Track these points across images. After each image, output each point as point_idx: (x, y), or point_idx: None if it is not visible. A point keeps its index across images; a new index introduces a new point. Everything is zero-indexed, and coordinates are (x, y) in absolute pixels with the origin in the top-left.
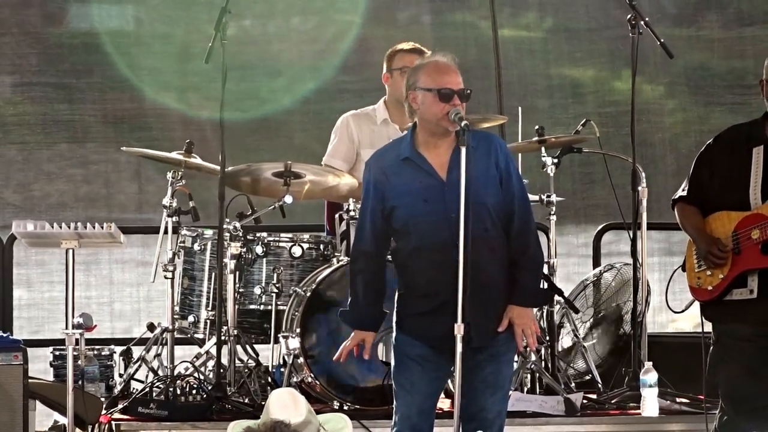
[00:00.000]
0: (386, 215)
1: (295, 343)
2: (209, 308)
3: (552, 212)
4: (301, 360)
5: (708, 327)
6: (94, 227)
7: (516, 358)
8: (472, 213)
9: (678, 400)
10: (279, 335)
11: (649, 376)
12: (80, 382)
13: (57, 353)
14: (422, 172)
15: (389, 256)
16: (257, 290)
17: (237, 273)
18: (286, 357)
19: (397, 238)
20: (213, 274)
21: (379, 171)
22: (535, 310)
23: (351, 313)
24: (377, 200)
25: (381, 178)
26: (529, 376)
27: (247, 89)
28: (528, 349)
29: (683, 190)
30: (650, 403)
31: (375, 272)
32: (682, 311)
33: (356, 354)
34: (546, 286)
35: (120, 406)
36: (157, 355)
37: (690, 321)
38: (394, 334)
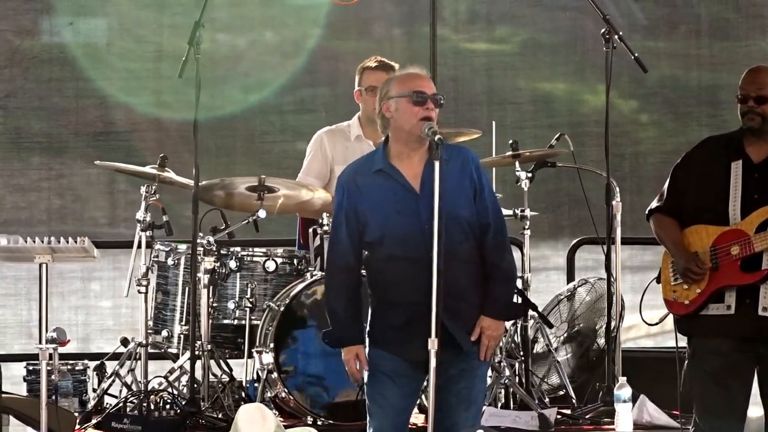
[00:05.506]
0: (360, 228)
1: (268, 358)
2: (183, 323)
3: (526, 227)
4: (275, 375)
5: (683, 342)
6: (67, 241)
7: (490, 373)
8: (446, 225)
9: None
10: (253, 350)
11: (624, 391)
12: (54, 397)
13: (30, 368)
14: (395, 183)
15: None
16: (231, 305)
17: (210, 288)
18: (260, 372)
19: (371, 249)
20: (186, 288)
21: (352, 184)
22: (508, 324)
23: (336, 332)
24: (351, 213)
25: (354, 190)
26: (502, 391)
27: (222, 102)
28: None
29: (659, 200)
30: (624, 418)
31: (354, 287)
32: (656, 324)
33: (359, 368)
34: (520, 300)
35: (93, 422)
36: (131, 370)
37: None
38: (366, 349)
